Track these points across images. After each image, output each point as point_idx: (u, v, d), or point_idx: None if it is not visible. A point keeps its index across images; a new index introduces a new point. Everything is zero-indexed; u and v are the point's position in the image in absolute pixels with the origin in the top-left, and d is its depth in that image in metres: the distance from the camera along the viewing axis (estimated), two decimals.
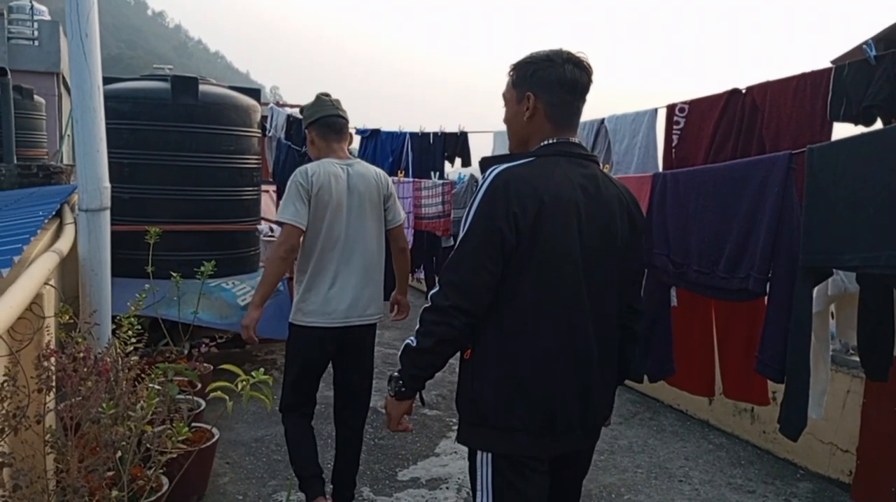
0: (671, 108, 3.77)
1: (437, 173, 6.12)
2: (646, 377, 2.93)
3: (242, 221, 5.18)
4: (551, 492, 1.82)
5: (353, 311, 2.86)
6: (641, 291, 2.19)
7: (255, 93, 5.70)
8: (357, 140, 6.49)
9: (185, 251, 4.56)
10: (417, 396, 1.85)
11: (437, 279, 2.09)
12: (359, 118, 7.42)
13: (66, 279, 3.21)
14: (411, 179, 5.88)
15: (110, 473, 2.08)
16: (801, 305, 2.10)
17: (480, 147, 6.56)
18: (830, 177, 1.96)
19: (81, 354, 2.05)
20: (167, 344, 3.99)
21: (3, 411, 1.74)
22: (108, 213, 2.87)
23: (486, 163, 1.78)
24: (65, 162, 10.00)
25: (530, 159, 1.74)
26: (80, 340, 2.18)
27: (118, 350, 2.43)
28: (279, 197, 6.40)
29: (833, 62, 3.08)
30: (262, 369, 2.22)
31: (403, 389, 1.80)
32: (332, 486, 3.07)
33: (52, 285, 2.38)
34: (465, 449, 1.83)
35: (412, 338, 1.74)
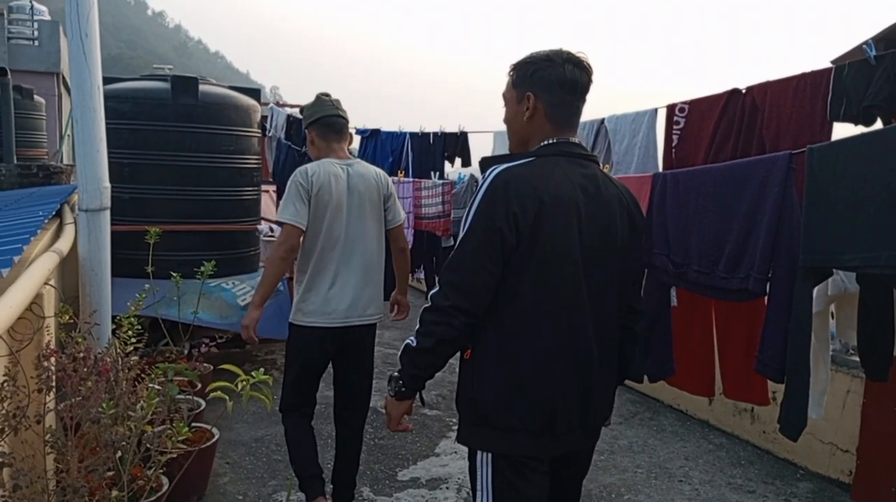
0: (671, 108, 3.77)
1: (437, 173, 6.12)
2: (646, 377, 2.93)
3: (242, 221, 5.18)
4: (551, 492, 1.82)
5: (353, 311, 2.86)
6: (641, 291, 2.19)
7: (255, 93, 5.70)
8: (357, 140, 6.49)
9: (185, 251, 4.56)
10: (417, 396, 1.85)
11: (436, 279, 2.09)
12: (359, 118, 7.42)
13: (66, 279, 3.21)
14: (411, 179, 5.88)
15: (110, 473, 2.08)
16: (802, 305, 2.10)
17: (480, 147, 6.57)
18: (830, 177, 1.96)
19: (81, 354, 2.05)
20: (167, 344, 3.99)
21: (4, 411, 1.74)
22: (108, 213, 2.87)
23: (486, 163, 1.79)
24: (65, 162, 10.00)
25: (530, 159, 1.74)
26: (80, 340, 2.18)
27: (118, 350, 2.43)
28: (279, 197, 6.40)
29: (833, 62, 3.08)
30: (262, 369, 2.22)
31: (403, 389, 1.80)
32: (332, 486, 3.07)
33: (52, 285, 2.38)
34: (465, 449, 1.83)
35: (412, 338, 1.74)
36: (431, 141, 6.29)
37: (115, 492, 1.96)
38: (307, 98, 3.19)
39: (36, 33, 13.30)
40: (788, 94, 3.09)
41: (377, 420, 4.24)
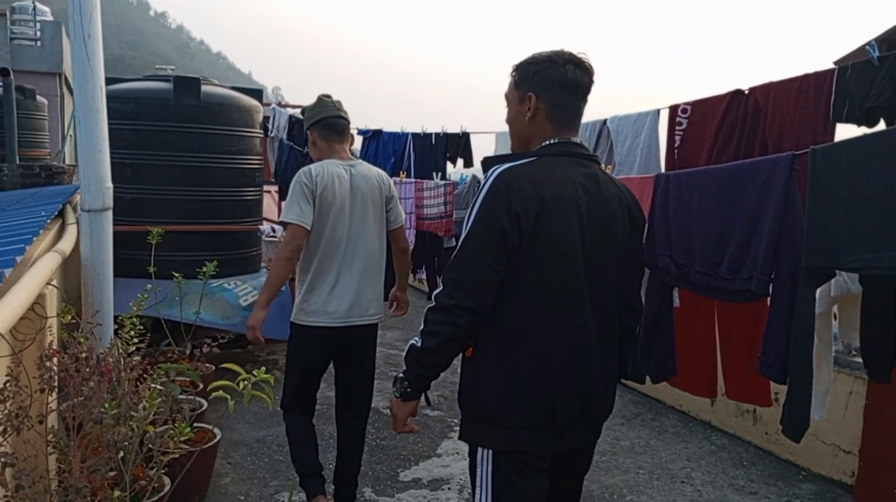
0: (674, 109, 3.76)
1: (440, 174, 6.11)
2: (648, 378, 2.93)
3: (244, 222, 5.18)
4: (552, 491, 1.82)
5: (355, 311, 2.87)
6: (642, 290, 2.18)
7: (257, 93, 5.70)
8: (359, 141, 6.49)
9: (187, 251, 4.56)
10: (423, 397, 1.86)
11: (439, 279, 2.09)
12: (359, 118, 7.43)
13: (69, 279, 3.21)
14: (413, 180, 5.87)
15: (112, 473, 2.08)
16: (804, 306, 2.09)
17: (482, 147, 6.58)
18: (833, 178, 1.96)
19: (84, 354, 2.05)
20: (169, 344, 3.99)
21: (6, 411, 1.74)
22: (110, 214, 2.88)
23: (487, 163, 1.80)
24: (67, 162, 10.01)
25: (532, 159, 1.75)
26: (82, 340, 2.18)
27: (120, 350, 2.43)
28: (281, 197, 6.41)
29: (836, 63, 3.08)
30: (263, 369, 2.23)
31: (409, 390, 1.80)
32: (333, 486, 3.07)
33: (54, 285, 2.38)
34: (467, 450, 1.83)
35: (417, 338, 1.74)
36: (433, 141, 6.29)
37: (117, 493, 1.97)
38: (308, 98, 3.20)
39: (38, 34, 13.33)
40: (791, 95, 3.08)
41: (379, 420, 4.24)
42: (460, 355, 1.80)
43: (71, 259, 2.75)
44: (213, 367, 3.99)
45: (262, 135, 5.60)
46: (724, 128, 3.42)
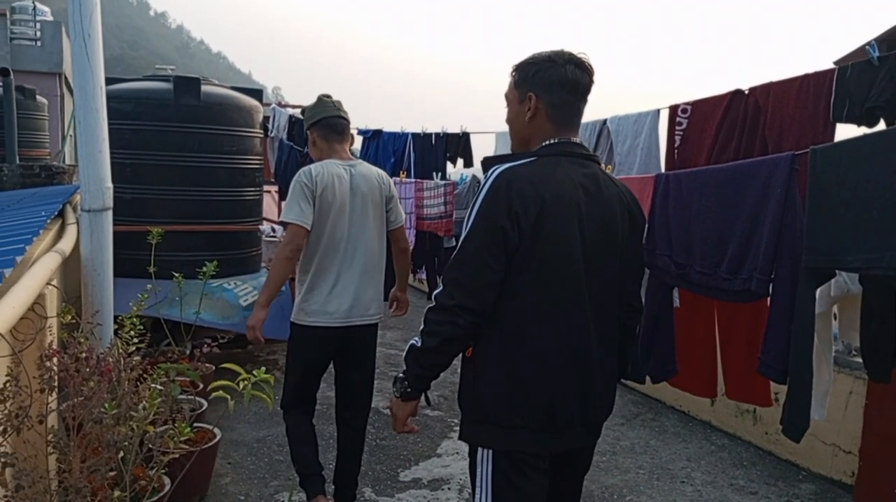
0: (674, 109, 3.76)
1: (440, 174, 6.11)
2: (648, 378, 2.93)
3: (244, 222, 5.18)
4: (552, 491, 1.82)
5: (355, 311, 2.87)
6: (642, 290, 2.18)
7: (257, 93, 5.70)
8: (359, 141, 6.49)
9: (187, 251, 4.56)
10: (423, 397, 1.86)
11: (439, 279, 2.09)
12: (359, 118, 7.42)
13: (69, 279, 3.21)
14: (413, 180, 5.87)
15: (112, 473, 2.08)
16: (804, 306, 2.09)
17: (482, 147, 6.58)
18: (833, 178, 1.96)
19: (84, 354, 2.05)
20: (169, 344, 3.99)
21: (6, 411, 1.74)
22: (110, 214, 2.88)
23: (487, 163, 1.80)
24: (67, 162, 10.01)
25: (532, 159, 1.75)
26: (82, 340, 2.18)
27: (120, 350, 2.43)
28: (281, 197, 6.40)
29: (836, 63, 3.08)
30: (263, 369, 2.23)
31: (409, 390, 1.80)
32: (333, 487, 3.07)
33: (54, 285, 2.38)
34: (467, 450, 1.83)
35: (417, 338, 1.74)
36: (433, 141, 6.29)
37: (117, 493, 1.97)
38: (308, 98, 3.20)
39: (38, 34, 13.33)
40: (791, 95, 3.08)
41: (379, 420, 4.24)
42: (460, 355, 1.80)
43: (71, 259, 2.75)
44: (213, 367, 3.99)
45: (262, 135, 5.60)
46: (724, 128, 3.42)
